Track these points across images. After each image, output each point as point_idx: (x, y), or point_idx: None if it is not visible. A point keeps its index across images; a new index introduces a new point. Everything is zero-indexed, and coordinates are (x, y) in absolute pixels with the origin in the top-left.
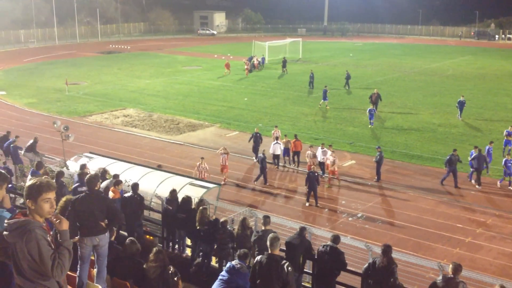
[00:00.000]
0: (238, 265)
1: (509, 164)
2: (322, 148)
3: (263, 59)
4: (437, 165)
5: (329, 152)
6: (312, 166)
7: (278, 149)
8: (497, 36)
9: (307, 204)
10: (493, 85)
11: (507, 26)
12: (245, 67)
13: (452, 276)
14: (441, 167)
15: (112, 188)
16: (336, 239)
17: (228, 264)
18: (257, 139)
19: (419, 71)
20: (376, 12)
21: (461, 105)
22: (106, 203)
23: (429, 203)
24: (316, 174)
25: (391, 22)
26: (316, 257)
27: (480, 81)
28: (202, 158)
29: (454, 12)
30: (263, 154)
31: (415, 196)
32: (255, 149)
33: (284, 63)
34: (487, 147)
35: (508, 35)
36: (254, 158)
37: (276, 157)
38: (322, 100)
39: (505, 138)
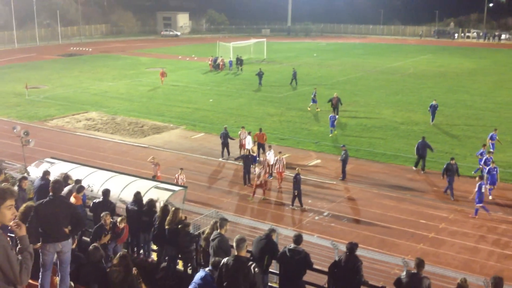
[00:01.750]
0: (211, 273)
1: (494, 172)
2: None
3: (231, 62)
4: (399, 162)
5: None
6: (297, 168)
7: (251, 143)
8: (456, 34)
9: (291, 207)
10: (453, 83)
11: (466, 25)
12: (209, 63)
13: (415, 271)
14: (403, 165)
15: (74, 194)
16: (297, 239)
17: (201, 273)
18: (225, 137)
19: (381, 70)
20: (338, 12)
21: (434, 109)
22: (70, 209)
23: (393, 200)
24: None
25: (353, 22)
26: (280, 259)
27: (441, 79)
28: (182, 169)
29: (415, 11)
30: (248, 153)
31: (379, 193)
32: (224, 147)
33: (240, 61)
34: (488, 164)
35: (467, 34)
36: (220, 157)
37: (249, 151)
38: (311, 103)
39: (489, 142)
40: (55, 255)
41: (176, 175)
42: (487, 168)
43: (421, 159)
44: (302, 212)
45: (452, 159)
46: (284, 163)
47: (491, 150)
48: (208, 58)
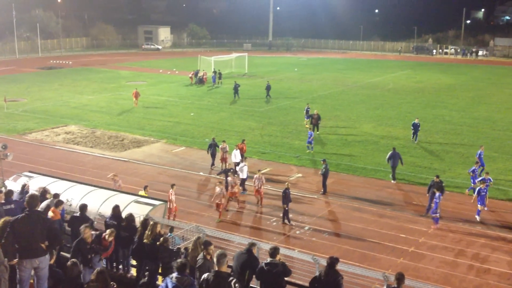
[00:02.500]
0: (178, 281)
1: (483, 194)
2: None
3: (214, 77)
4: (380, 176)
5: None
6: (286, 183)
7: (239, 156)
8: (434, 50)
9: (288, 223)
10: (431, 98)
11: (443, 41)
12: (190, 75)
13: (396, 286)
14: (384, 179)
15: (52, 208)
16: (273, 252)
17: (167, 284)
18: (213, 147)
19: (361, 85)
20: (319, 28)
21: (416, 127)
22: (47, 224)
23: (373, 214)
24: (289, 190)
25: (334, 38)
26: (259, 275)
27: (419, 94)
28: (173, 184)
29: (394, 28)
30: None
31: (360, 207)
32: (213, 157)
33: (219, 75)
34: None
35: (445, 50)
36: (212, 166)
37: (237, 164)
38: (306, 119)
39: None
40: (32, 271)
41: (170, 191)
42: (477, 189)
43: (392, 169)
44: (283, 226)
45: (437, 176)
46: (264, 181)
47: (479, 167)
48: (190, 72)
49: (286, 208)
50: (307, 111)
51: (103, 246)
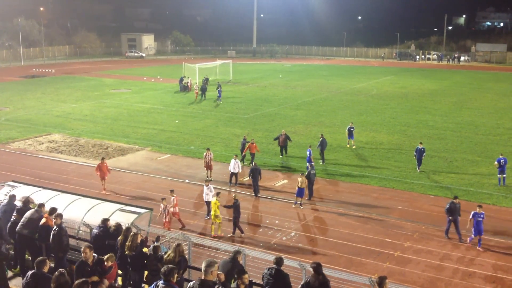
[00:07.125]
0: None
1: (480, 219)
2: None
3: (220, 91)
4: (365, 182)
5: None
6: (234, 195)
7: (236, 167)
8: (417, 56)
9: (232, 235)
10: (415, 103)
11: (426, 47)
12: (195, 89)
13: None
14: (369, 184)
15: (45, 215)
16: (279, 261)
17: None
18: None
19: (345, 91)
20: (302, 34)
21: (420, 154)
22: None
23: (359, 219)
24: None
25: (318, 44)
26: (262, 280)
27: (403, 100)
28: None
29: (377, 34)
30: (255, 164)
31: (346, 212)
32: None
33: (207, 81)
34: None
35: (427, 56)
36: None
37: (233, 174)
38: (348, 139)
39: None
40: None
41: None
42: None
43: (321, 154)
44: (266, 234)
45: (455, 197)
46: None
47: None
48: (194, 82)
49: (234, 219)
50: (350, 131)
51: (102, 269)
